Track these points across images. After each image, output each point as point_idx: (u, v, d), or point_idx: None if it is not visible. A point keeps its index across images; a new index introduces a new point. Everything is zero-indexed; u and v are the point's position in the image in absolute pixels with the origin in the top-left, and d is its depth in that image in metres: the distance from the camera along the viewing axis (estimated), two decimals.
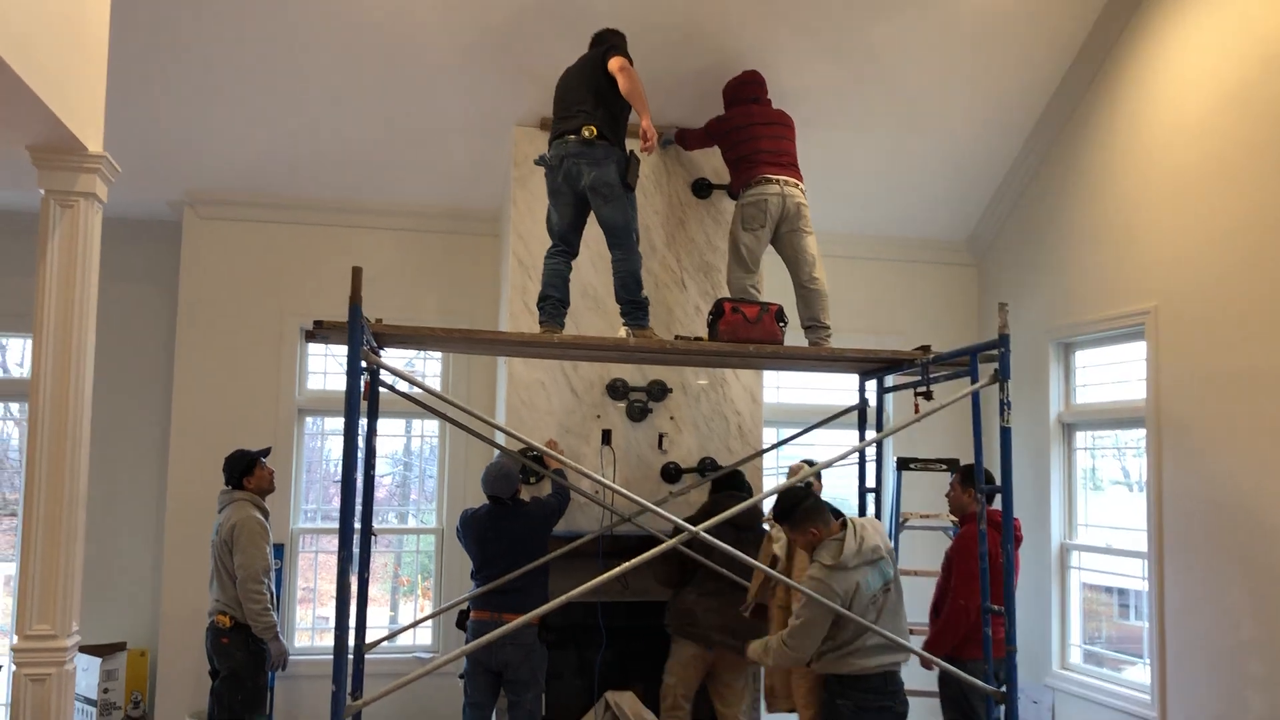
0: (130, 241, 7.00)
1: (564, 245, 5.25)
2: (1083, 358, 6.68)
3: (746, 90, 5.91)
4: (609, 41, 5.23)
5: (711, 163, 6.33)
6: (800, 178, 5.70)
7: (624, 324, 5.17)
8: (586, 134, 5.03)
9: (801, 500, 4.45)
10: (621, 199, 5.08)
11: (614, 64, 5.05)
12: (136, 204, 6.80)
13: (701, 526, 4.31)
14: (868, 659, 4.28)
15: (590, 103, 5.11)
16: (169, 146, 6.33)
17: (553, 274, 5.22)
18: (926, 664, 5.02)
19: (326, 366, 7.04)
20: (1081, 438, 6.68)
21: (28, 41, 3.43)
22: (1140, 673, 5.99)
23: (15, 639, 4.01)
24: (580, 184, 5.08)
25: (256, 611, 5.17)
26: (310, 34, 5.73)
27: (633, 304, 5.14)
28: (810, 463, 5.53)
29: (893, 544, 6.38)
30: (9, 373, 7.29)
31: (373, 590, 7.91)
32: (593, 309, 6.07)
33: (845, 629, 4.30)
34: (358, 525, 4.45)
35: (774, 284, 6.26)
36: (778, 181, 5.57)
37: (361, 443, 4.46)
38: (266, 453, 5.60)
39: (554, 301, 5.18)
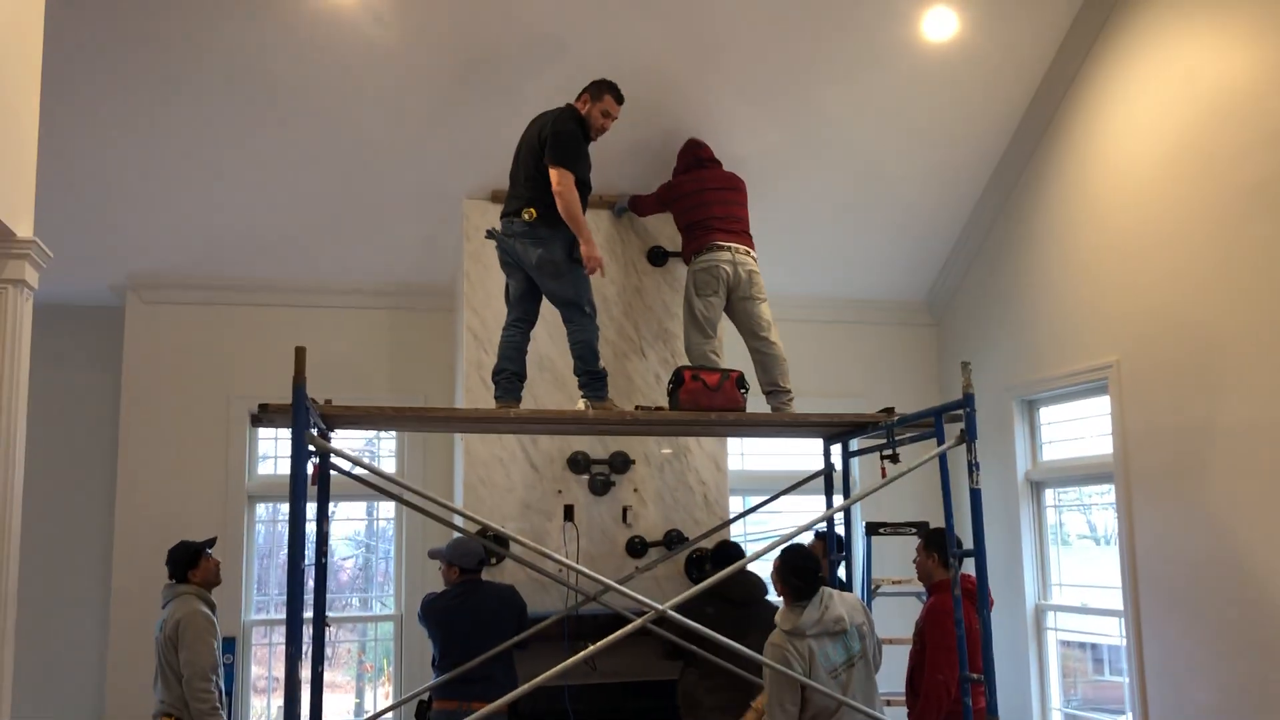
0: (71, 328, 6.80)
1: (520, 314, 5.17)
2: (1047, 414, 6.63)
3: (693, 154, 5.91)
4: (555, 130, 5.04)
5: (666, 230, 6.27)
6: (751, 244, 5.66)
7: (583, 396, 5.06)
8: (526, 217, 4.99)
9: (805, 567, 4.28)
10: (568, 274, 5.01)
11: (555, 180, 4.94)
12: (77, 289, 6.62)
13: (672, 603, 4.14)
14: None
15: (530, 186, 5.05)
16: (108, 230, 6.19)
17: (508, 346, 5.12)
18: None
19: (278, 450, 6.84)
20: (1049, 494, 6.60)
21: None
22: None
23: None
24: (526, 262, 5.03)
25: (204, 711, 4.90)
26: (251, 112, 5.66)
27: (590, 374, 5.05)
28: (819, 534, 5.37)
29: None
30: None
31: (338, 677, 7.67)
32: (550, 382, 5.94)
33: (813, 704, 4.14)
34: (309, 615, 4.25)
35: (731, 349, 6.16)
36: (729, 249, 5.53)
37: (312, 528, 4.29)
38: (212, 543, 5.37)
39: (509, 375, 5.07)
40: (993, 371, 6.81)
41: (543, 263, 4.99)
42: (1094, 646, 6.36)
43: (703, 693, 5.16)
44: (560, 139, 5.01)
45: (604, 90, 5.21)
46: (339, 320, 6.79)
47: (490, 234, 5.18)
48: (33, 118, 4.07)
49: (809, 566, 4.26)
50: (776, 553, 4.46)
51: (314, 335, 6.61)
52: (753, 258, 5.61)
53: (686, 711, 5.34)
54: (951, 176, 6.75)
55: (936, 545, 5.04)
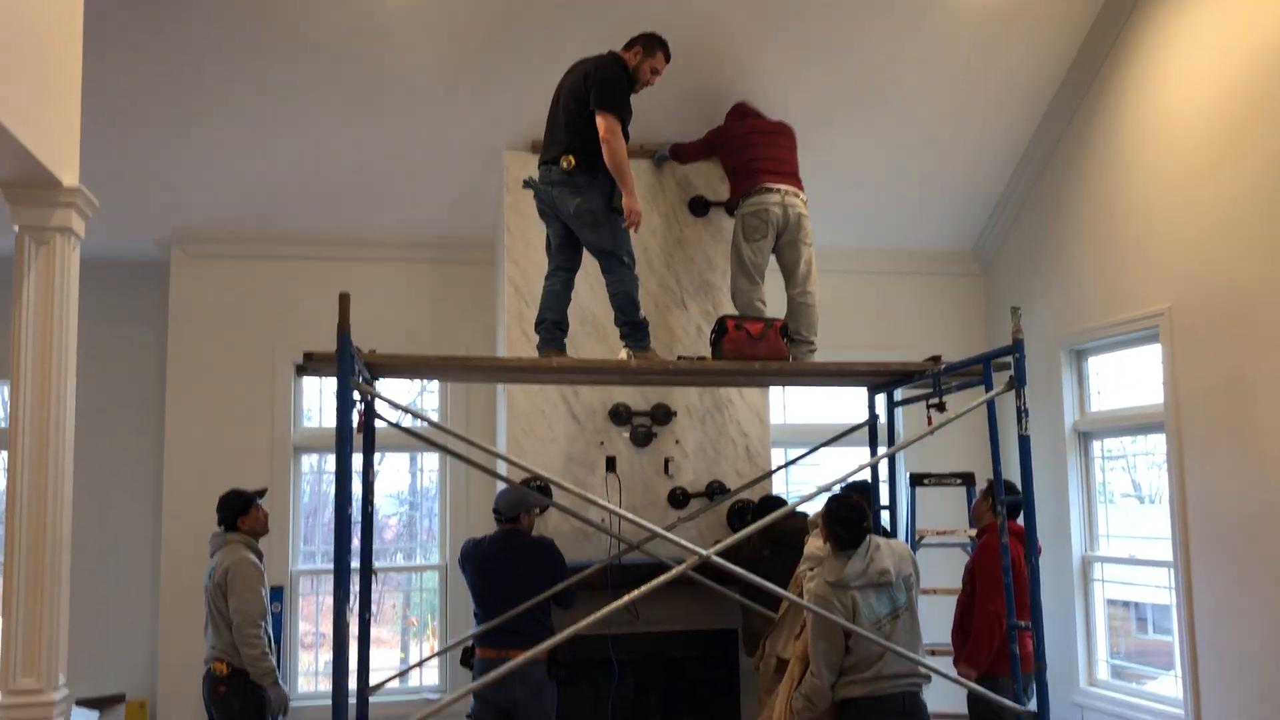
0: (118, 283, 6.88)
1: (560, 264, 5.14)
2: (1096, 364, 6.52)
3: (740, 110, 5.87)
4: (601, 76, 4.95)
5: (708, 180, 6.21)
6: (801, 187, 5.58)
7: (624, 346, 5.04)
8: (565, 165, 4.93)
9: (852, 514, 4.23)
10: (606, 224, 4.96)
11: (602, 127, 4.86)
12: (123, 245, 6.68)
13: (717, 548, 4.13)
14: (884, 682, 4.12)
15: (569, 132, 4.98)
16: (154, 185, 6.22)
17: (549, 295, 5.11)
18: (965, 676, 4.87)
19: (322, 404, 6.89)
20: (1095, 448, 6.50)
21: None
22: (1170, 685, 5.79)
23: None
24: (563, 211, 4.98)
25: (254, 657, 4.98)
26: (293, 65, 5.64)
27: (631, 325, 5.02)
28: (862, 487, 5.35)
29: None
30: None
31: (382, 632, 7.76)
32: (592, 335, 5.92)
33: (856, 652, 4.14)
34: (355, 564, 4.28)
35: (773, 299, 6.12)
36: (778, 190, 5.46)
37: (357, 478, 4.31)
38: (262, 494, 5.43)
39: (550, 324, 5.06)
40: (1040, 322, 6.70)
41: (580, 212, 4.94)
42: (1138, 605, 6.30)
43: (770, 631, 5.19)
44: (608, 85, 4.93)
45: (656, 46, 5.14)
46: (381, 273, 6.80)
47: (528, 183, 5.14)
48: (76, 68, 4.08)
49: (853, 516, 4.22)
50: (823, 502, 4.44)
51: (357, 288, 6.55)
52: (802, 200, 5.54)
53: (754, 649, 5.38)
54: (999, 125, 6.61)
55: (994, 494, 5.03)
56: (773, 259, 5.67)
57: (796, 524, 5.36)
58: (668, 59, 5.20)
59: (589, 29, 5.65)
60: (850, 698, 4.16)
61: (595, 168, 4.91)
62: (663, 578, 4.07)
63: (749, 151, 5.57)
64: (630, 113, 5.05)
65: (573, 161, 4.92)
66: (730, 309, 5.73)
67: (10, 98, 3.42)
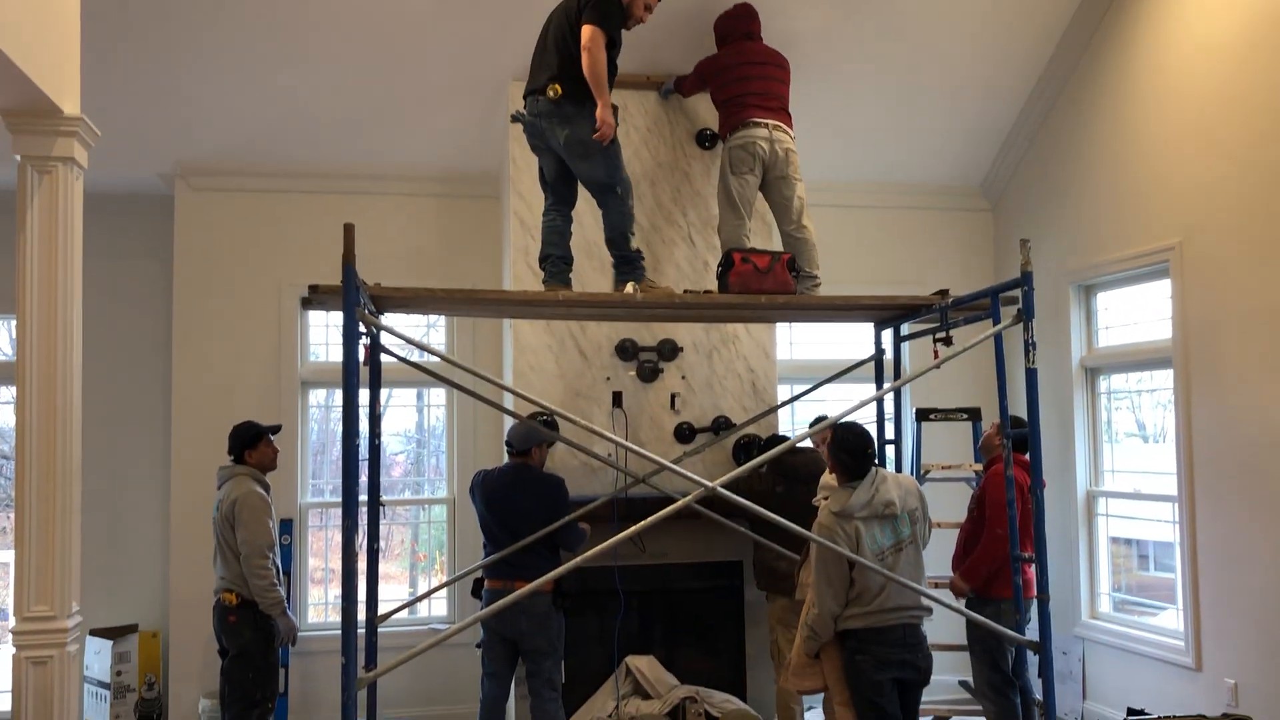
0: (123, 217, 6.83)
1: (557, 199, 5.11)
2: (1104, 299, 6.49)
3: (739, 25, 5.69)
4: (595, 3, 4.83)
5: (713, 112, 6.12)
6: (790, 122, 5.51)
7: (615, 279, 5.01)
8: (551, 93, 4.84)
9: (858, 444, 4.28)
10: (598, 154, 4.88)
11: (585, 35, 4.76)
12: (127, 178, 6.63)
13: (723, 480, 4.15)
14: (885, 614, 4.16)
15: (558, 60, 4.89)
16: (157, 118, 6.16)
17: (549, 231, 5.08)
18: (958, 591, 4.93)
19: (329, 338, 6.90)
20: (1101, 385, 6.50)
21: None
22: (1171, 619, 5.84)
23: (14, 621, 3.89)
24: (553, 142, 4.92)
25: (262, 588, 5.04)
26: None
27: (622, 259, 5.00)
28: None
29: None
30: (3, 354, 7.15)
31: (391, 568, 7.84)
32: (597, 269, 5.88)
33: (859, 583, 4.18)
34: (363, 496, 4.31)
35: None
36: (765, 125, 5.39)
37: (365, 411, 4.33)
38: (276, 429, 5.44)
39: (554, 259, 5.04)
40: (1049, 257, 6.66)
41: (570, 142, 4.87)
42: (1140, 543, 6.33)
43: (785, 564, 5.23)
44: (601, 4, 4.82)
45: None
46: (387, 207, 6.76)
47: (515, 117, 5.07)
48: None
49: (859, 444, 4.24)
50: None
51: (362, 222, 6.50)
52: (790, 136, 5.47)
53: (768, 584, 5.47)
54: (1009, 56, 6.50)
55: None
56: (763, 199, 5.61)
57: (807, 458, 5.40)
58: None
59: None
60: (851, 629, 4.21)
61: (583, 96, 4.81)
62: (668, 509, 4.09)
63: (738, 85, 5.47)
64: (620, 43, 4.96)
65: (559, 90, 4.83)
66: None
67: (10, 24, 3.38)
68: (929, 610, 4.30)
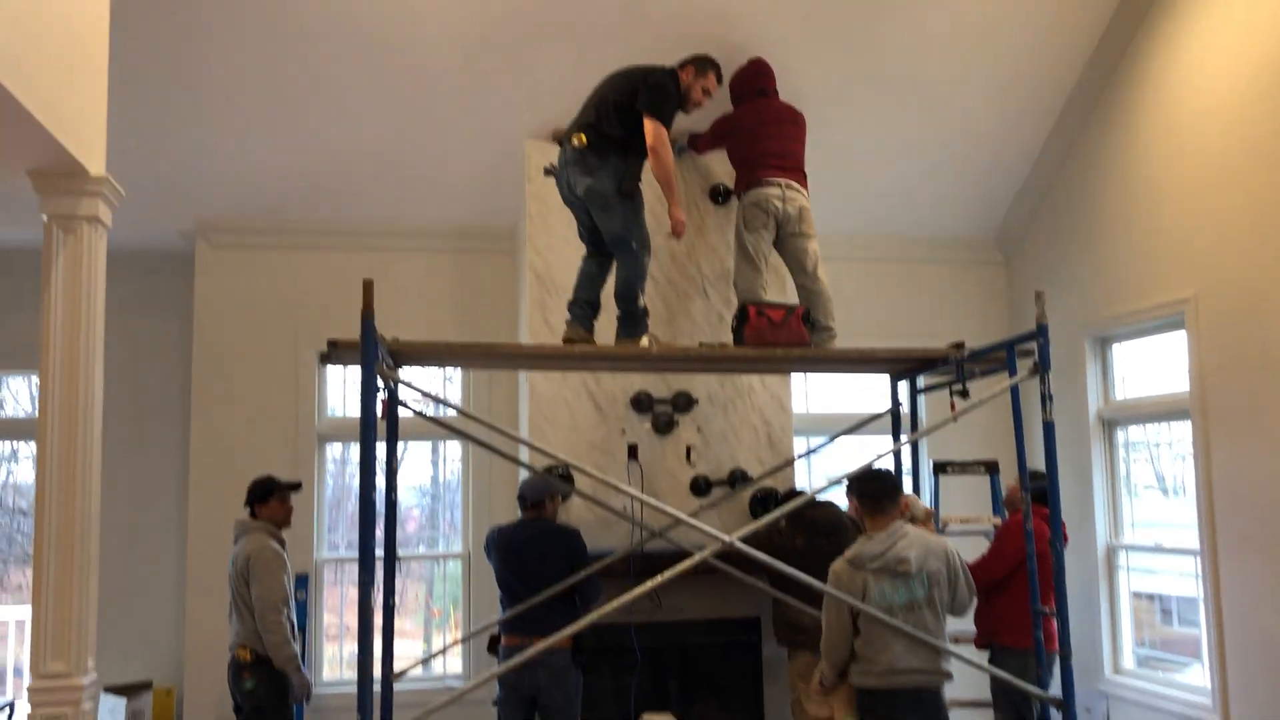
0: (144, 275, 6.93)
1: (592, 249, 5.17)
2: (1120, 351, 6.47)
3: (754, 82, 5.77)
4: (656, 82, 4.96)
5: (727, 168, 6.18)
6: (804, 180, 5.57)
7: (618, 335, 5.04)
8: (576, 143, 4.94)
9: (866, 481, 4.30)
10: (617, 207, 4.94)
11: (650, 134, 4.88)
12: (148, 236, 6.72)
13: (740, 533, 4.14)
14: (895, 675, 4.08)
15: (594, 114, 4.99)
16: (178, 176, 6.26)
17: (581, 276, 5.16)
18: (979, 644, 4.92)
19: (346, 392, 6.93)
20: (1119, 437, 6.46)
21: (24, 63, 3.35)
22: (1198, 675, 5.76)
23: (30, 679, 3.88)
24: (577, 190, 4.99)
25: (276, 643, 5.02)
26: (315, 55, 5.66)
27: (627, 314, 5.02)
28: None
29: None
30: (23, 411, 7.21)
31: (405, 624, 7.79)
32: (615, 321, 5.91)
33: (864, 635, 4.13)
34: (380, 552, 4.30)
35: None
36: (779, 184, 5.44)
37: (381, 464, 4.33)
38: (297, 487, 5.44)
39: (581, 303, 5.10)
40: (1064, 309, 6.66)
41: (591, 193, 4.94)
42: (1162, 598, 6.26)
43: (807, 619, 5.18)
44: (660, 92, 4.95)
45: (709, 68, 5.20)
46: (404, 262, 6.82)
47: (548, 170, 5.17)
48: (102, 58, 4.12)
49: (879, 483, 4.28)
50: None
51: (380, 277, 6.54)
52: (804, 195, 5.52)
53: (789, 640, 5.41)
54: (1021, 109, 6.56)
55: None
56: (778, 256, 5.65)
57: (828, 512, 5.37)
58: (719, 80, 5.25)
59: (609, 17, 5.66)
60: (864, 688, 4.15)
61: (607, 151, 4.91)
62: (685, 563, 4.08)
63: (754, 145, 5.55)
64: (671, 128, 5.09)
65: (584, 140, 4.93)
66: None
67: (38, 86, 3.45)
68: (948, 675, 4.19)
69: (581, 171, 4.93)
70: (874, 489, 4.27)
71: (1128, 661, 6.28)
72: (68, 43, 3.77)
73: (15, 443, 7.35)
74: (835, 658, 4.18)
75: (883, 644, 4.09)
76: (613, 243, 5.04)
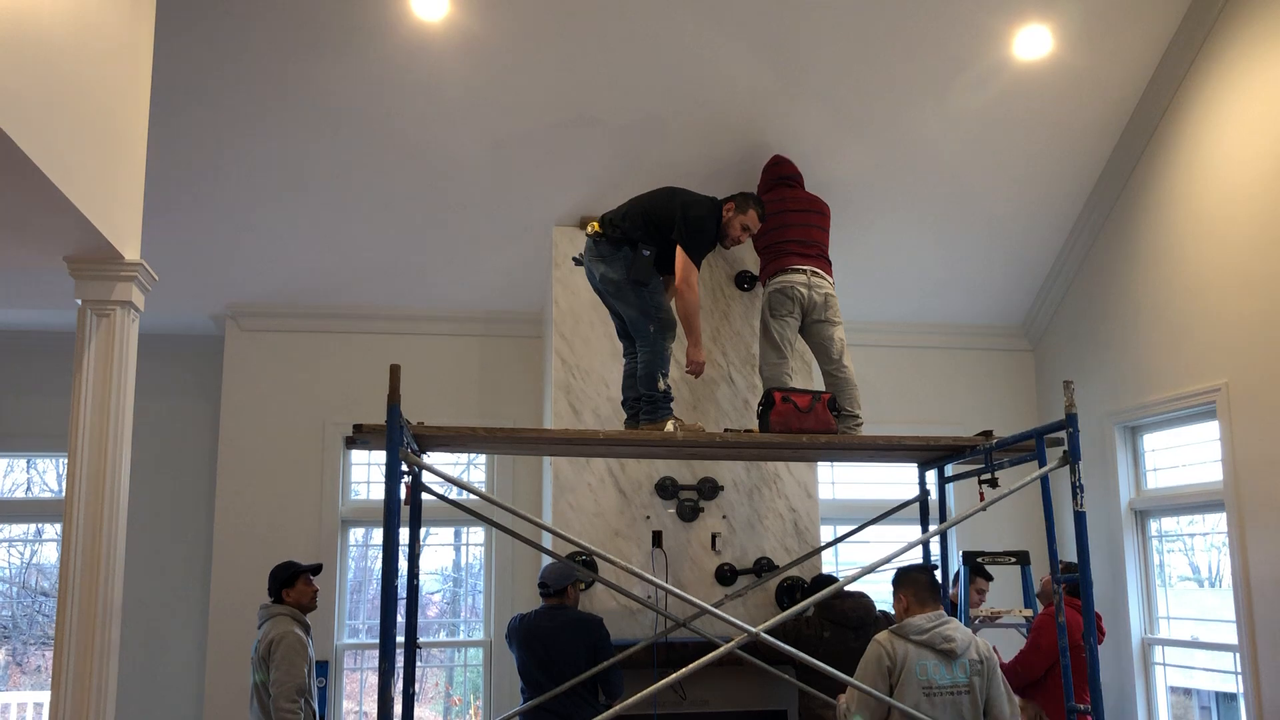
0: (174, 357, 7.01)
1: (628, 343, 5.22)
2: (1151, 441, 6.39)
3: (777, 171, 5.87)
4: (695, 215, 5.00)
5: (752, 254, 6.23)
6: (829, 268, 5.60)
7: (640, 419, 5.03)
8: (589, 229, 5.06)
9: (918, 570, 4.21)
10: (630, 293, 5.00)
11: (679, 269, 4.94)
12: (179, 320, 6.82)
13: (765, 625, 4.07)
14: None
15: (621, 211, 5.09)
16: (210, 261, 6.36)
17: (625, 376, 5.22)
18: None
19: (370, 477, 6.93)
20: (1153, 527, 6.35)
21: (65, 152, 3.43)
22: None
23: None
24: (596, 282, 5.11)
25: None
26: (345, 144, 5.78)
27: (647, 398, 5.01)
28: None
29: None
30: (49, 492, 7.25)
31: (425, 711, 7.67)
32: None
33: (894, 713, 3.96)
34: (401, 638, 4.25)
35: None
36: (804, 271, 5.48)
37: (404, 549, 4.31)
38: (317, 569, 5.40)
39: (629, 401, 5.15)
40: (1093, 397, 6.60)
41: (605, 280, 5.04)
42: (1199, 693, 6.08)
43: (833, 713, 5.04)
44: (697, 228, 4.99)
45: (750, 204, 5.20)
46: (430, 347, 6.88)
47: (577, 260, 5.26)
48: (140, 146, 4.22)
49: (927, 567, 4.28)
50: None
51: (406, 362, 6.65)
52: (829, 282, 5.55)
53: None
54: (1048, 197, 6.60)
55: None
56: (804, 342, 5.66)
57: (856, 603, 5.27)
58: (762, 219, 5.28)
59: (640, 111, 5.76)
60: None
61: (620, 241, 4.99)
62: (711, 655, 4.00)
63: (779, 233, 5.60)
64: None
65: (596, 227, 5.05)
66: None
67: (78, 174, 3.53)
68: None
69: (595, 259, 5.05)
70: (926, 578, 4.16)
71: None
72: (107, 132, 3.86)
73: (40, 525, 7.37)
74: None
75: None
76: (631, 327, 5.09)
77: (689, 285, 4.95)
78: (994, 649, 4.16)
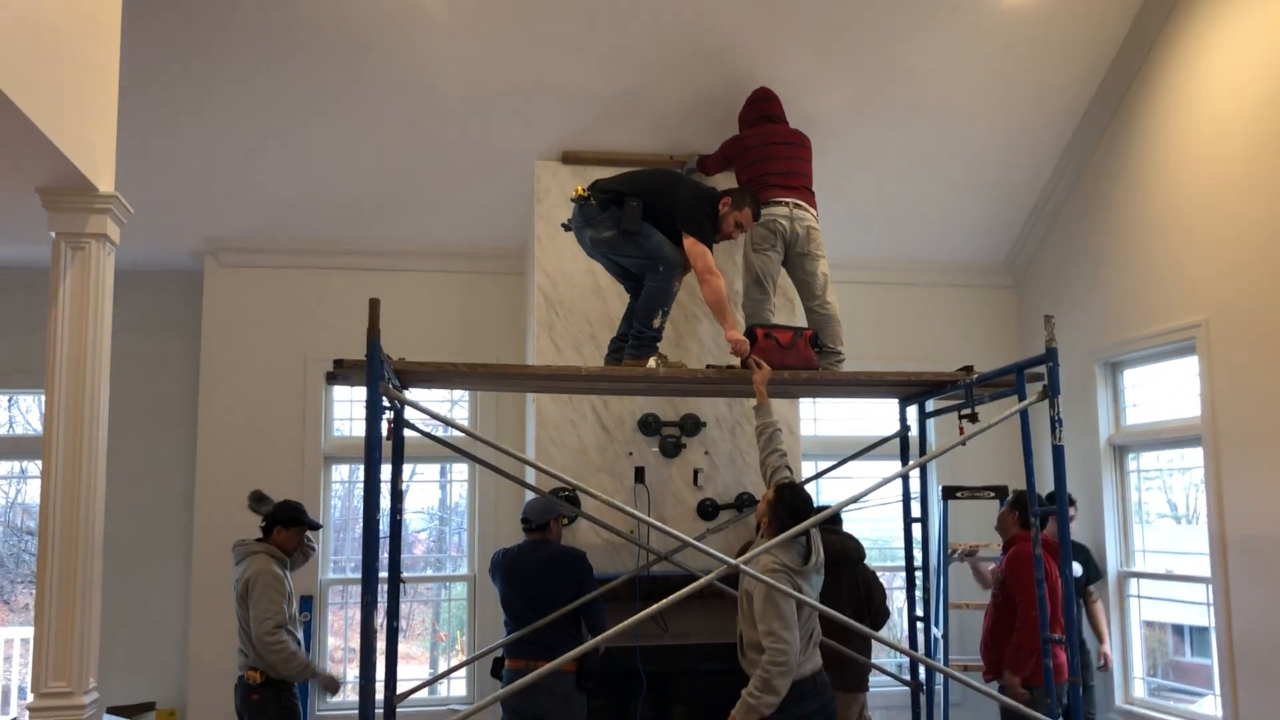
0: (153, 294, 6.95)
1: (631, 286, 5.26)
2: (1131, 377, 6.44)
3: (760, 108, 5.80)
4: (696, 205, 5.01)
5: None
6: (812, 200, 5.57)
7: (626, 352, 5.03)
8: (575, 191, 5.02)
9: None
10: (627, 245, 4.98)
11: (699, 259, 4.93)
12: (158, 255, 6.75)
13: (745, 557, 4.11)
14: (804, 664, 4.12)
15: (613, 180, 5.05)
16: (188, 195, 6.29)
17: (626, 313, 5.26)
18: (1013, 688, 4.82)
19: (353, 413, 6.92)
20: (1131, 464, 6.41)
21: (36, 81, 3.36)
22: (1210, 705, 5.68)
23: (31, 697, 3.86)
24: (585, 243, 5.10)
25: (281, 660, 4.97)
26: (325, 76, 5.69)
27: (638, 335, 5.01)
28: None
29: (941, 577, 6.16)
30: (32, 429, 7.22)
31: (412, 648, 7.76)
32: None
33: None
34: (384, 573, 4.28)
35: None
36: (787, 204, 5.45)
37: (387, 486, 4.32)
38: (316, 527, 5.42)
39: (616, 338, 5.19)
40: (1075, 334, 6.63)
41: (596, 242, 5.03)
42: (1175, 627, 6.19)
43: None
44: (700, 215, 5.01)
45: (746, 202, 5.17)
46: (412, 284, 6.83)
47: (565, 226, 5.20)
48: (113, 76, 4.14)
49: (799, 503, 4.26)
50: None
51: (387, 298, 6.55)
52: (812, 214, 5.52)
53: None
54: (1032, 134, 6.56)
55: (1020, 505, 5.07)
56: (787, 276, 5.64)
57: (841, 539, 5.30)
58: (756, 217, 5.25)
59: (619, 42, 5.68)
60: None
61: (606, 203, 4.94)
62: (691, 587, 4.05)
63: (762, 165, 5.55)
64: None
65: (581, 190, 5.00)
66: None
67: (48, 104, 3.47)
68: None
69: (584, 223, 5.02)
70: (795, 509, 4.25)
71: (1138, 691, 6.21)
72: (79, 61, 3.79)
73: (24, 462, 7.35)
74: (787, 648, 4.08)
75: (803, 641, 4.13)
76: (641, 271, 5.07)
77: (710, 272, 4.93)
78: None
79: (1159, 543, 6.30)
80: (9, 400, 7.30)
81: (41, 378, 4.05)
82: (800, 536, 4.16)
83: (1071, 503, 5.49)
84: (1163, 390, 6.16)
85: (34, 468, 7.29)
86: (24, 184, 3.94)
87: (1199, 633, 5.92)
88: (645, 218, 4.95)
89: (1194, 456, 5.87)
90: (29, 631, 6.95)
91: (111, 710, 6.30)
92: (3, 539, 7.55)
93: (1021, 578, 4.89)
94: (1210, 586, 5.52)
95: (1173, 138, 5.85)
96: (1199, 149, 5.64)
